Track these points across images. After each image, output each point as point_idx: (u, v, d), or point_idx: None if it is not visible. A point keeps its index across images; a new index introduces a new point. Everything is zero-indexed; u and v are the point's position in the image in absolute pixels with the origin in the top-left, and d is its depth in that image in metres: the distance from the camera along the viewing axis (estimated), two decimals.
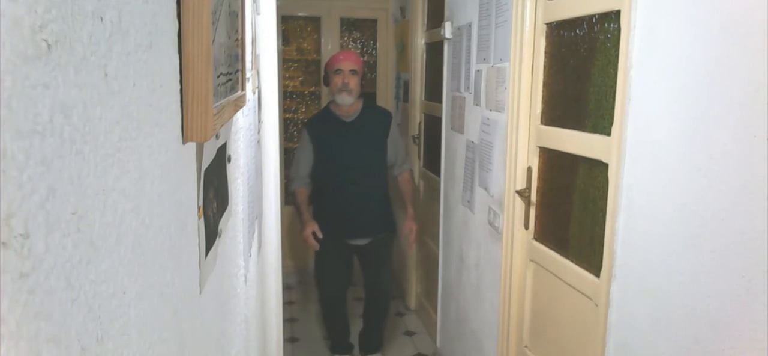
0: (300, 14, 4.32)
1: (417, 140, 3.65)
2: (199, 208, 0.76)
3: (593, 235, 1.67)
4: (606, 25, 1.59)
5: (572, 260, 1.80)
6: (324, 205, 2.98)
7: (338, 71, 2.85)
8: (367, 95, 3.45)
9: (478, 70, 2.45)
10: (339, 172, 2.90)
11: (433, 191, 3.32)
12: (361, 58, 3.00)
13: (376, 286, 3.08)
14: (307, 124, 3.05)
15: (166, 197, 0.58)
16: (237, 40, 1.00)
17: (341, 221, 2.93)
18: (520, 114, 2.06)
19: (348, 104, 2.87)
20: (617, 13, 1.49)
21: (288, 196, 4.33)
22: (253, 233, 1.55)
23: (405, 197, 3.13)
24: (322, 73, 3.05)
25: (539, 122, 2.00)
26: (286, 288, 3.90)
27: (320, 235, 2.83)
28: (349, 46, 4.44)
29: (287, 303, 3.84)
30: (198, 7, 0.64)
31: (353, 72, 2.85)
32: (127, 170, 0.46)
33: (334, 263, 3.00)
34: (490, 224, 2.36)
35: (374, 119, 3.02)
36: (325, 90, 4.34)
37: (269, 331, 2.16)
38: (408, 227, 3.09)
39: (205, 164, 0.80)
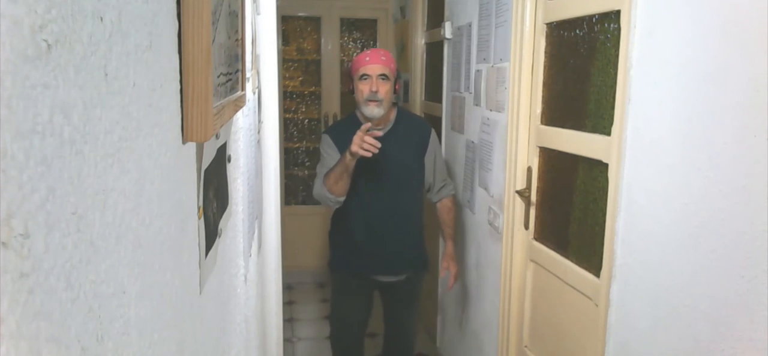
0: (300, 14, 4.32)
1: None
2: (199, 208, 0.76)
3: (593, 235, 1.67)
4: (606, 25, 1.59)
5: (572, 260, 1.80)
6: (347, 233, 2.43)
7: (364, 77, 2.28)
8: None
9: (478, 70, 2.45)
10: (367, 195, 2.33)
11: None
12: (393, 57, 2.42)
13: (398, 330, 2.62)
14: (328, 131, 2.46)
15: (166, 197, 0.58)
16: (237, 40, 1.00)
17: (367, 254, 2.40)
18: (520, 114, 2.06)
19: (377, 116, 2.29)
20: (617, 13, 1.49)
21: (288, 196, 4.35)
22: (253, 233, 1.55)
23: (444, 228, 2.55)
24: (347, 77, 2.48)
25: (539, 122, 2.00)
26: (286, 288, 3.91)
27: (375, 133, 2.08)
28: (349, 46, 4.44)
29: (287, 303, 3.85)
30: (198, 7, 0.64)
31: (383, 77, 2.27)
32: (127, 170, 0.46)
33: (352, 299, 2.51)
34: (490, 224, 2.36)
35: (410, 131, 2.44)
36: (325, 90, 4.34)
37: (269, 331, 2.16)
38: (446, 267, 2.51)
39: (205, 164, 0.80)
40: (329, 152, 2.34)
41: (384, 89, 2.28)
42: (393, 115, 2.41)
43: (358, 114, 2.39)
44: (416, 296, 2.59)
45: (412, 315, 2.60)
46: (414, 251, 2.48)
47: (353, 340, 2.57)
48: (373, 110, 2.28)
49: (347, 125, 2.41)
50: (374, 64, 2.28)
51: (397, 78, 2.39)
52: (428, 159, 2.46)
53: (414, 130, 2.46)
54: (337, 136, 2.36)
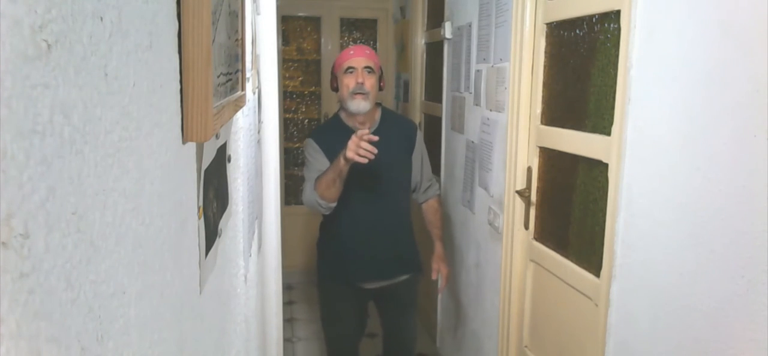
0: (300, 14, 4.32)
1: None
2: (199, 208, 0.76)
3: (593, 235, 1.67)
4: (606, 25, 1.59)
5: (572, 260, 1.80)
6: (333, 239, 2.35)
7: (350, 70, 2.19)
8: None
9: (478, 70, 2.45)
10: (355, 199, 2.22)
11: None
12: (377, 54, 2.35)
13: (398, 339, 2.51)
14: (312, 135, 2.33)
15: (166, 197, 0.58)
16: (237, 40, 1.00)
17: (355, 260, 2.30)
18: (520, 114, 2.06)
19: (364, 111, 2.18)
20: (617, 13, 1.49)
21: (288, 196, 4.35)
22: (253, 233, 1.55)
23: (431, 229, 2.45)
24: (330, 76, 2.38)
25: (539, 122, 2.00)
26: (286, 288, 3.90)
27: (372, 138, 1.95)
28: (350, 46, 4.43)
29: (287, 303, 3.85)
30: (198, 7, 0.64)
31: (369, 70, 2.19)
32: (127, 170, 0.46)
33: (345, 309, 2.39)
34: (490, 224, 2.36)
35: (396, 131, 2.33)
36: (325, 90, 4.34)
37: (269, 331, 2.16)
38: (437, 269, 2.41)
39: (205, 164, 0.80)
40: (316, 157, 2.24)
41: (370, 82, 2.18)
42: (378, 114, 2.32)
43: (342, 115, 2.30)
44: (412, 301, 2.48)
45: (410, 322, 2.49)
46: (407, 253, 2.40)
47: (346, 346, 2.45)
48: (360, 104, 2.17)
49: (331, 127, 2.32)
50: (359, 57, 2.19)
51: (381, 76, 2.31)
52: (415, 158, 2.38)
53: (400, 129, 2.38)
54: (321, 139, 2.26)
